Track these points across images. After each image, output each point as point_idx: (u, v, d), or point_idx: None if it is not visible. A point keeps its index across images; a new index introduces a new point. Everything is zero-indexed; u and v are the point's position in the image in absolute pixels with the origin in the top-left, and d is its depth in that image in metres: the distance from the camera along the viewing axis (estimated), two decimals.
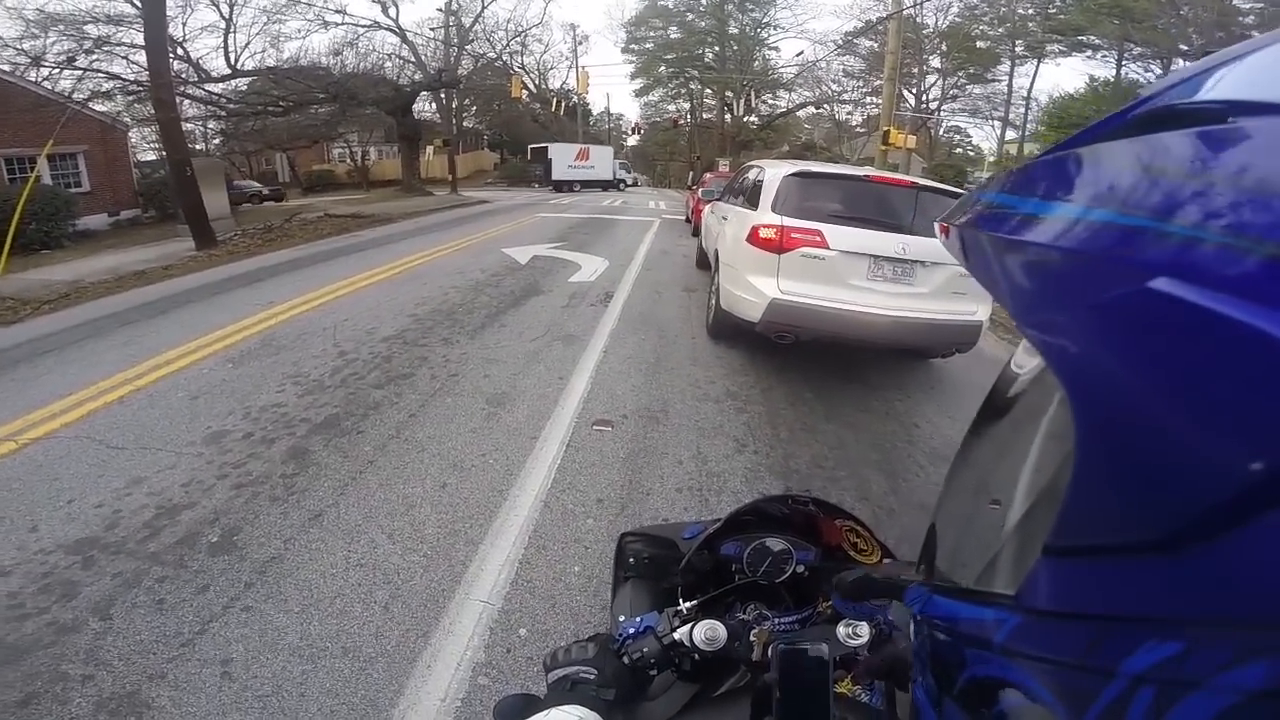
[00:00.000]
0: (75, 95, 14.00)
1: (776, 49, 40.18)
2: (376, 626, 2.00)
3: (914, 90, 34.19)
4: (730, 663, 0.77)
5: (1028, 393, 0.36)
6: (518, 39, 33.78)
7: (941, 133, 38.32)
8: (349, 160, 36.80)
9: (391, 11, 24.85)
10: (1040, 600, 0.27)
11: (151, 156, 21.60)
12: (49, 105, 13.11)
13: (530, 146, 34.48)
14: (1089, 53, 29.17)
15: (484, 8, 29.08)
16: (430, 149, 30.99)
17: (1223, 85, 0.26)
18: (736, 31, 39.20)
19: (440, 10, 28.04)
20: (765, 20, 38.92)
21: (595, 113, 51.45)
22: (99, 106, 15.42)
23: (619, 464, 3.07)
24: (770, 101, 40.19)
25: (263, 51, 20.99)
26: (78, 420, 3.42)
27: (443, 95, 30.99)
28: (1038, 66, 32.77)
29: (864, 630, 0.75)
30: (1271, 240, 0.19)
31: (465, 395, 3.80)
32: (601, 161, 32.66)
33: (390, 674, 1.84)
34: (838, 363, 4.61)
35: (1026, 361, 0.38)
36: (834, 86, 37.21)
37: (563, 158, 31.22)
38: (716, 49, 39.88)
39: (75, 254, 10.78)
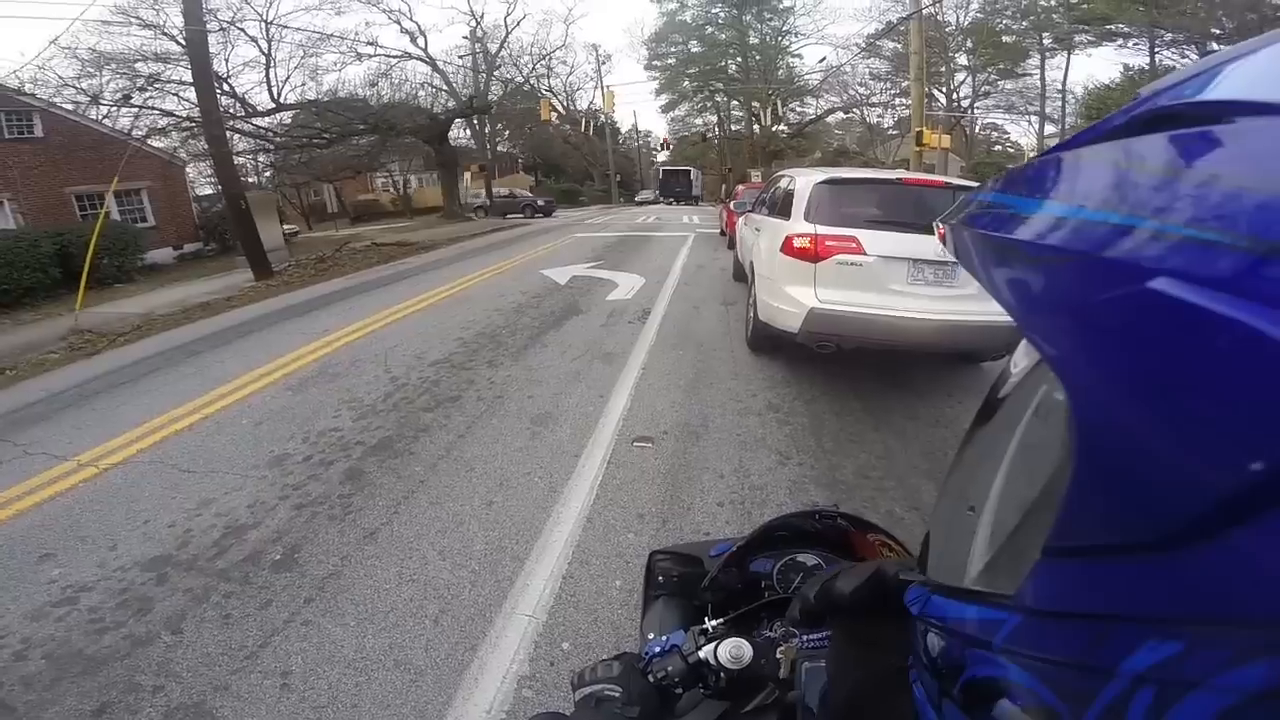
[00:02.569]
0: (134, 133, 14.89)
1: (800, 56, 40.05)
2: (427, 640, 2.06)
3: (943, 89, 33.44)
4: (758, 680, 0.76)
5: (1026, 393, 0.36)
6: (543, 62, 34.70)
7: (978, 130, 37.29)
8: (391, 189, 38.27)
9: (420, 41, 25.71)
10: (1040, 600, 0.27)
11: (209, 191, 22.91)
12: (112, 143, 14.07)
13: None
14: (1120, 41, 27.92)
15: (508, 33, 29.90)
16: (468, 175, 32.00)
17: (1223, 85, 0.26)
18: (757, 41, 39.23)
19: (466, 38, 29.05)
20: (785, 28, 38.92)
21: (624, 130, 52.09)
22: (157, 143, 16.40)
23: (660, 479, 3.08)
24: (798, 109, 39.91)
25: (303, 84, 22.18)
26: (152, 446, 3.65)
27: (476, 121, 32.00)
28: (1069, 58, 31.55)
29: None
30: (1271, 240, 0.19)
31: (510, 416, 3.88)
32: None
33: (439, 686, 1.89)
34: (883, 370, 4.51)
35: (1022, 362, 0.38)
36: (861, 90, 36.76)
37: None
38: (739, 60, 39.97)
39: (144, 287, 11.56)
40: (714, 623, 0.82)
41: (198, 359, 5.63)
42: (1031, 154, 32.46)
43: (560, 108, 39.86)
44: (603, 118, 39.54)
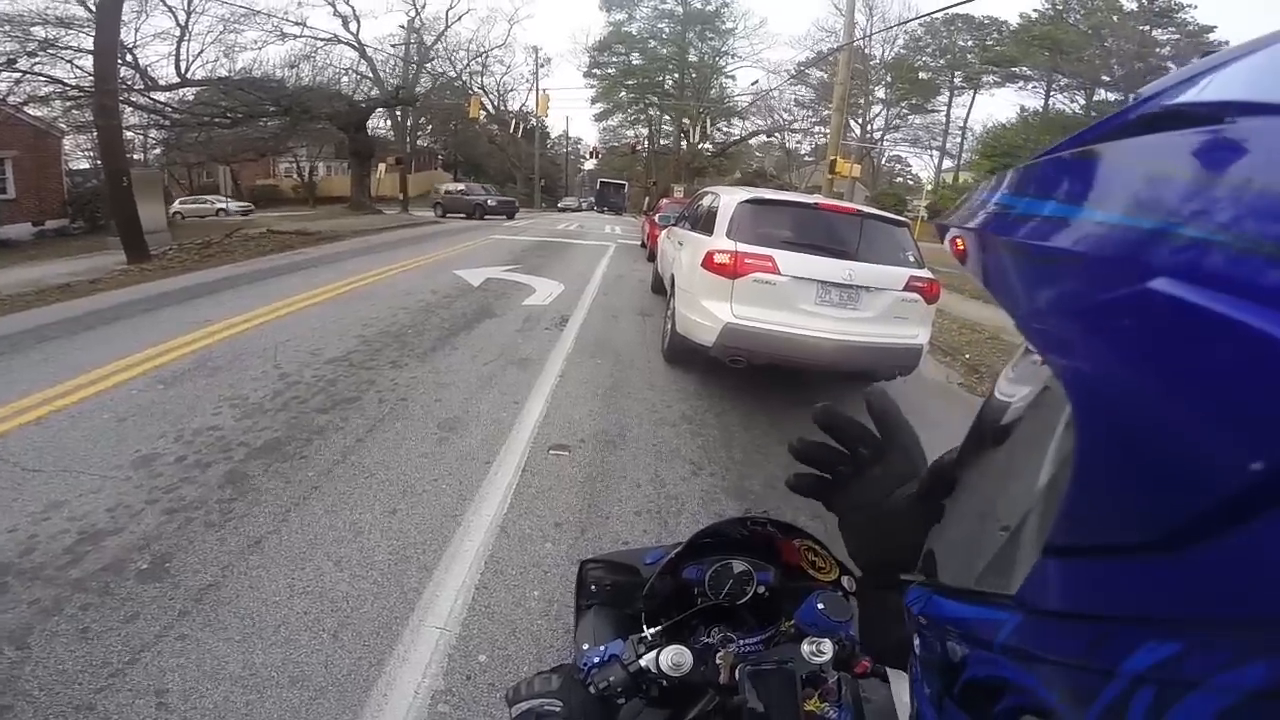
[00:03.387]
0: (10, 99, 13.24)
1: (733, 77, 41.74)
2: (326, 655, 1.93)
3: (859, 120, 35.80)
4: (698, 687, 0.76)
5: (1020, 396, 0.35)
6: (479, 59, 33.94)
7: (884, 161, 40.17)
8: (295, 176, 35.69)
9: (353, 26, 24.61)
10: (1040, 600, 0.27)
11: (85, 165, 20.41)
12: None
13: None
14: (1021, 83, 31.36)
15: (447, 26, 29.15)
16: (382, 167, 30.41)
17: (1223, 85, 0.25)
18: (696, 59, 40.47)
19: (403, 27, 27.92)
20: (724, 49, 40.44)
21: (554, 135, 51.67)
22: (34, 111, 14.64)
23: (577, 488, 3.06)
24: (725, 129, 41.30)
25: (215, 61, 20.19)
26: None
27: (399, 113, 30.60)
28: (974, 97, 35.12)
29: (827, 647, 0.75)
30: (1272, 240, 0.19)
31: (416, 420, 3.71)
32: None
33: (343, 703, 1.77)
34: (788, 385, 4.73)
35: (1020, 366, 0.38)
36: (785, 116, 38.77)
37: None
38: (676, 76, 41.00)
39: None
40: (652, 631, 0.81)
41: (50, 345, 4.94)
42: (929, 187, 35.56)
43: (490, 107, 39.07)
44: (534, 120, 39.05)
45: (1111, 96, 25.56)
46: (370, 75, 26.27)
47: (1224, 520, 0.19)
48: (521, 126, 36.98)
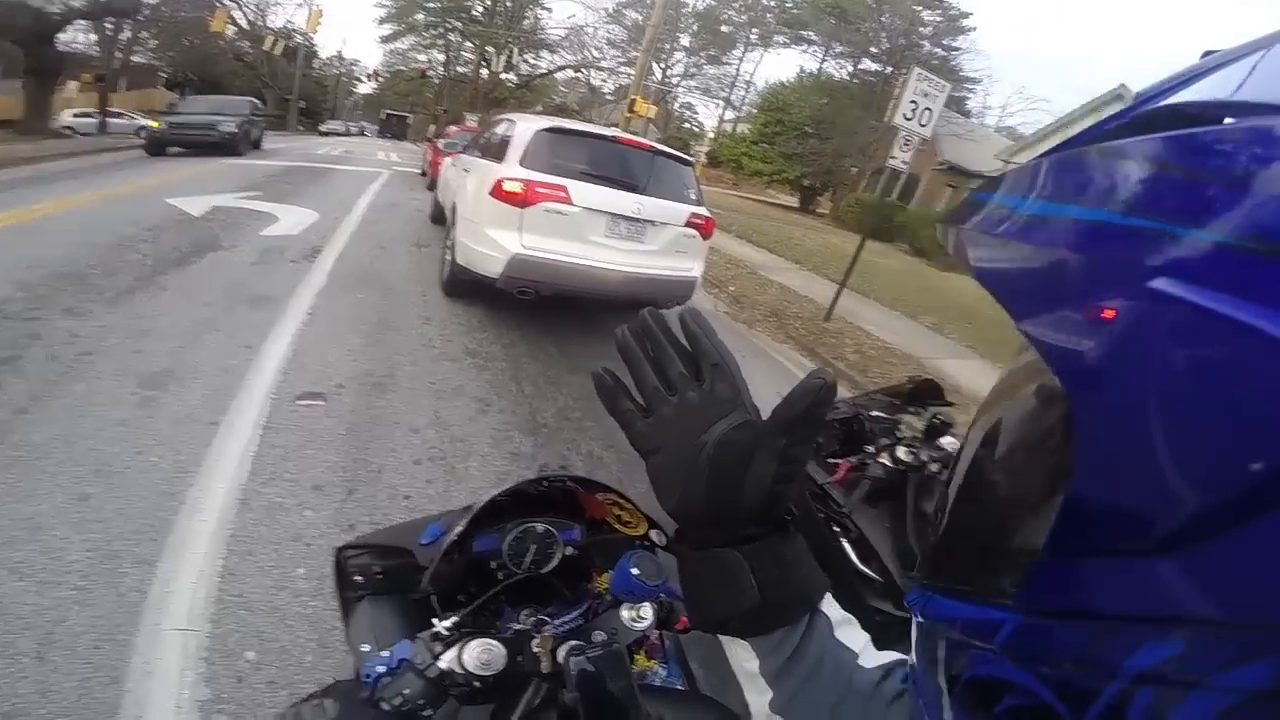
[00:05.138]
0: None
1: (549, 9, 39.58)
2: (37, 683, 1.49)
3: (663, 65, 36.68)
4: (521, 677, 0.65)
5: (1020, 395, 0.34)
6: None
7: (677, 107, 41.94)
8: None
9: None
10: (1041, 600, 0.27)
11: None
12: None
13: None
14: (805, 46, 34.40)
15: None
16: (73, 85, 23.31)
17: (1223, 85, 0.26)
18: None
19: None
20: None
21: (323, 56, 45.14)
22: None
23: (338, 442, 2.66)
24: (532, 62, 39.45)
25: None
26: None
27: (109, 25, 23.53)
28: (763, 55, 37.89)
29: (648, 611, 0.72)
30: (1272, 240, 0.19)
31: (105, 378, 2.89)
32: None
33: None
34: (577, 316, 4.70)
35: (1019, 366, 0.36)
36: (595, 54, 38.15)
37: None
38: (488, 3, 37.53)
39: None
40: (446, 623, 0.67)
41: None
42: (712, 135, 38.13)
43: (244, 22, 32.90)
44: (299, 38, 33.49)
45: (874, 67, 29.03)
46: None
47: (1224, 520, 0.19)
48: (283, 44, 31.23)
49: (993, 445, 0.35)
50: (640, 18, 31.24)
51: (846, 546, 1.51)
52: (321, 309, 4.15)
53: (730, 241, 10.69)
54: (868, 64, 29.02)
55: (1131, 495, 0.23)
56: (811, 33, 32.42)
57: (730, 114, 39.89)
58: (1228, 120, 0.24)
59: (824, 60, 32.53)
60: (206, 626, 1.74)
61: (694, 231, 4.48)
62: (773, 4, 35.76)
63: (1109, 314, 0.24)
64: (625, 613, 0.72)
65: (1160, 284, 0.22)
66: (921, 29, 27.70)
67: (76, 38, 23.56)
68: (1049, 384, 0.29)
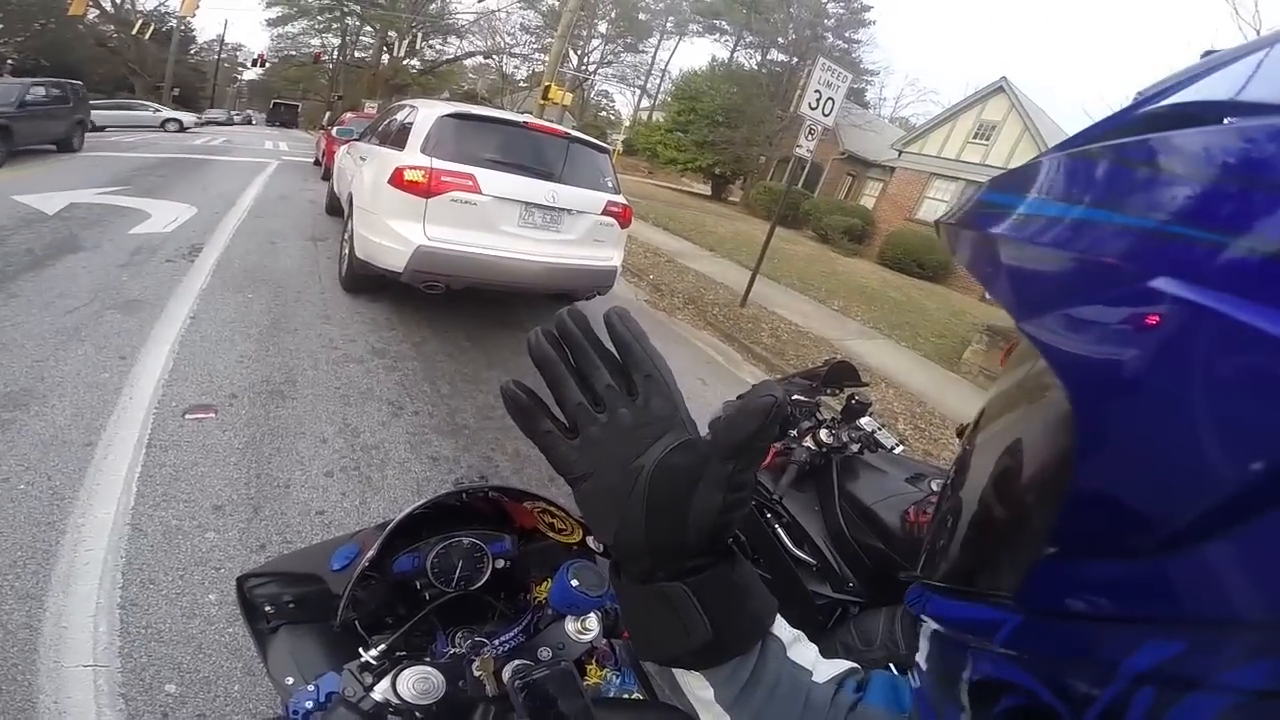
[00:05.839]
0: None
1: None
2: None
3: (579, 52, 35.99)
4: (465, 703, 0.61)
5: (1021, 395, 0.34)
6: None
7: (592, 95, 41.58)
8: None
9: None
10: (1040, 600, 0.27)
11: None
12: None
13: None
14: (717, 35, 34.87)
15: None
16: None
17: (1223, 85, 0.26)
18: None
19: None
20: None
21: (201, 40, 41.02)
22: None
23: (236, 457, 2.47)
24: (439, 47, 37.60)
25: None
26: None
27: None
28: (678, 43, 38.17)
29: (593, 622, 0.70)
30: (1272, 240, 0.19)
31: None
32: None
33: None
34: (492, 308, 4.58)
35: (1019, 366, 0.36)
36: (508, 39, 36.88)
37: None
38: None
39: None
40: (374, 651, 0.62)
41: None
42: (628, 123, 37.95)
43: (109, 3, 29.61)
44: (173, 22, 30.43)
45: (781, 57, 29.78)
46: None
47: (1225, 520, 0.19)
48: (154, 28, 28.10)
49: (993, 445, 0.35)
50: (556, 2, 30.51)
51: (780, 533, 1.54)
52: (205, 312, 3.82)
53: (648, 230, 10.84)
54: (776, 54, 29.79)
55: (1132, 495, 0.23)
56: (724, 21, 32.89)
57: (646, 102, 40.03)
58: (1228, 120, 0.24)
59: (735, 50, 33.15)
60: (117, 661, 1.62)
61: (612, 220, 4.44)
62: None
63: (1111, 314, 0.24)
64: (570, 625, 0.70)
65: (1161, 283, 0.22)
66: (826, 21, 28.77)
67: None
68: (1050, 384, 0.29)
